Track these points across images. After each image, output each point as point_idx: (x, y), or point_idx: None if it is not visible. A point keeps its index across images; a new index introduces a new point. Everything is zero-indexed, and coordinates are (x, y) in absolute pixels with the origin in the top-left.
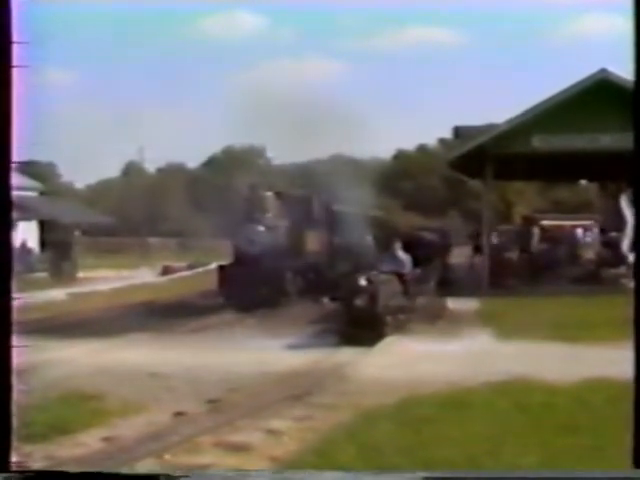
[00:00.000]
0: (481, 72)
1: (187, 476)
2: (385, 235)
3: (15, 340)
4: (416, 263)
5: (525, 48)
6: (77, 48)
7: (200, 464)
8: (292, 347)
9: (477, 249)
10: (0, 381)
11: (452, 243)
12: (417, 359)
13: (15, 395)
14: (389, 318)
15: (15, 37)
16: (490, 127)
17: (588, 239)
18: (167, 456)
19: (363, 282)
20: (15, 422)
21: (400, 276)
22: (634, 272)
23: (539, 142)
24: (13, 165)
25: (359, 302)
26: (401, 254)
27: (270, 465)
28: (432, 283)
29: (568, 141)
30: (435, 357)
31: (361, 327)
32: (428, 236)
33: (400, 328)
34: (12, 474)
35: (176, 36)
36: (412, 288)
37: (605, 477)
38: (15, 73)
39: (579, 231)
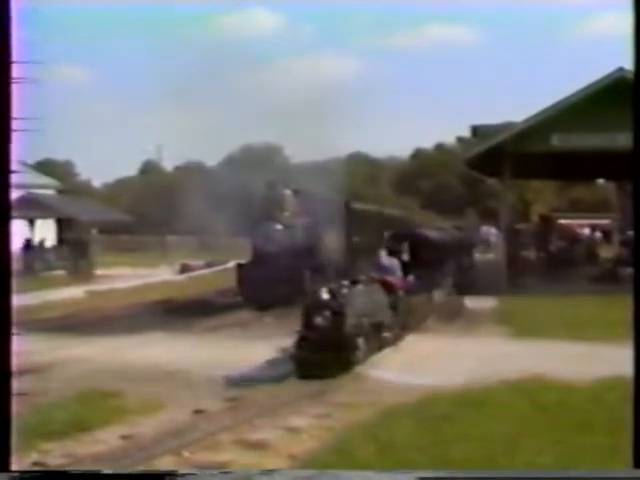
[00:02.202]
0: (499, 71)
1: (191, 474)
2: (394, 234)
3: (16, 341)
4: (425, 265)
5: (543, 47)
6: (95, 47)
7: (219, 461)
8: None
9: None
10: (0, 382)
11: (474, 243)
12: (435, 357)
13: (26, 395)
14: (360, 340)
15: (15, 37)
16: (508, 126)
17: (597, 239)
18: (186, 453)
19: (325, 295)
20: (34, 420)
21: (387, 285)
22: (634, 272)
23: (557, 141)
24: (20, 165)
25: (319, 321)
26: (386, 260)
27: (288, 463)
28: (446, 285)
29: (586, 140)
30: (453, 355)
31: (322, 352)
32: (441, 236)
33: (384, 348)
34: (12, 474)
35: (194, 34)
36: (403, 299)
37: (605, 477)
38: (30, 72)
39: (586, 230)
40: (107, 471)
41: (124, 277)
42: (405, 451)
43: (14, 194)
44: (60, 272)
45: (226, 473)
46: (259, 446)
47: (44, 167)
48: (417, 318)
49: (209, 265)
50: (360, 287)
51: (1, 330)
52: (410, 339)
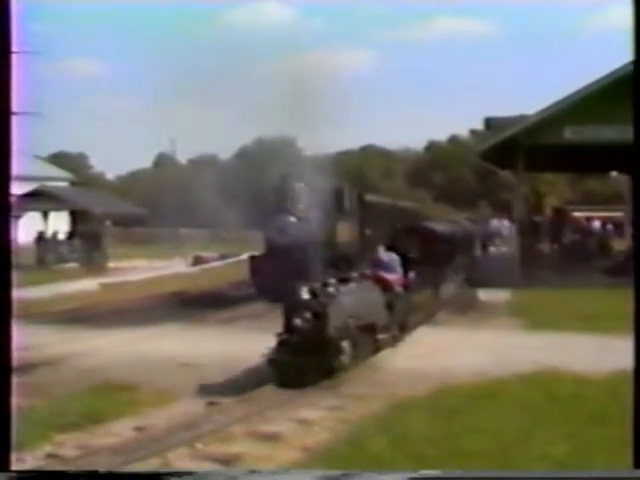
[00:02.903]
0: (512, 63)
1: (190, 474)
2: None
3: (16, 338)
4: (432, 260)
5: (556, 39)
6: (110, 41)
7: (232, 453)
8: None
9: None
10: (0, 382)
11: (486, 235)
12: (448, 349)
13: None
14: (346, 344)
15: (15, 37)
16: (521, 118)
17: (609, 231)
18: (199, 445)
19: (305, 295)
20: (48, 412)
21: (382, 282)
22: (634, 271)
23: (570, 133)
24: (34, 158)
25: (299, 323)
26: (385, 255)
27: (301, 455)
28: (457, 279)
29: (599, 132)
30: (466, 348)
31: (302, 357)
32: (449, 229)
33: (380, 351)
34: (12, 474)
35: (205, 27)
36: (402, 297)
37: (605, 477)
38: (40, 66)
39: (596, 223)
40: (104, 471)
41: (137, 269)
42: (418, 443)
43: (28, 187)
44: (73, 264)
45: (223, 472)
46: (272, 438)
47: (58, 159)
48: (420, 317)
49: (222, 257)
50: (351, 285)
51: (1, 329)
52: (423, 331)
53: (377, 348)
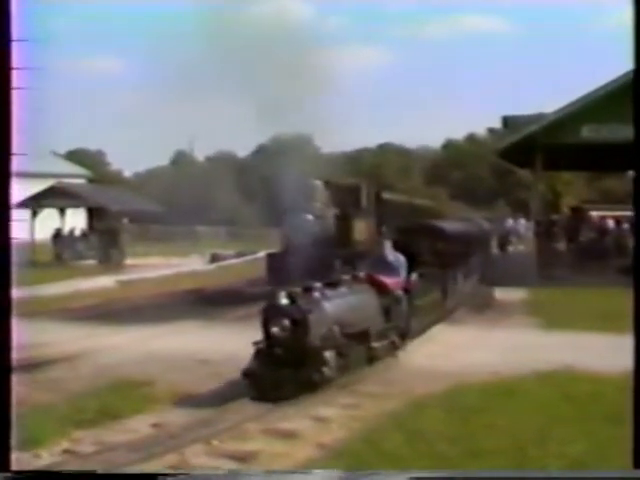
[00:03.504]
0: (530, 61)
1: (187, 474)
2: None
3: (16, 336)
4: (440, 261)
5: (575, 37)
6: (128, 39)
7: (248, 451)
8: None
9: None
10: (0, 381)
11: (502, 234)
12: (464, 348)
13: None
14: (330, 354)
15: (15, 35)
16: (539, 117)
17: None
18: (215, 442)
19: (283, 301)
20: (66, 408)
21: (379, 285)
22: (634, 270)
23: (588, 132)
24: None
25: (276, 331)
26: (392, 256)
27: (317, 452)
28: (471, 279)
29: (617, 131)
30: (482, 346)
31: (280, 369)
32: (460, 228)
33: (373, 361)
34: (12, 474)
35: (224, 24)
36: (402, 301)
37: (605, 477)
38: (63, 62)
39: (610, 222)
40: (101, 471)
41: (155, 266)
42: (434, 441)
43: (45, 183)
44: (90, 261)
45: (221, 473)
46: (288, 435)
47: (75, 156)
48: (425, 322)
49: (239, 255)
50: (341, 289)
51: (1, 328)
52: (440, 330)
53: (372, 357)
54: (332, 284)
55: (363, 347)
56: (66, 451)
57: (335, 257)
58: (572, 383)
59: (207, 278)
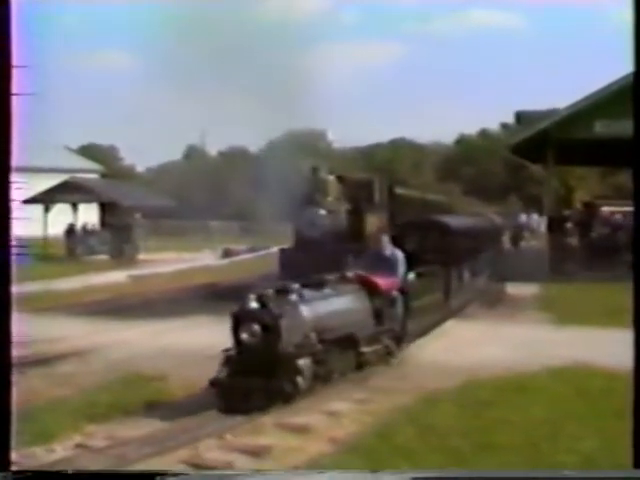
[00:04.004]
0: (543, 56)
1: (185, 474)
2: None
3: (45, 329)
4: (446, 258)
5: (587, 32)
6: (141, 33)
7: (261, 445)
8: None
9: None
10: (0, 381)
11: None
12: (476, 343)
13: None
14: (304, 362)
15: (21, 34)
16: (552, 112)
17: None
18: (228, 437)
19: (253, 304)
20: (78, 402)
21: (370, 285)
22: (634, 269)
23: (601, 127)
24: (64, 150)
25: (245, 337)
26: (389, 251)
27: (330, 447)
28: (482, 276)
29: (630, 126)
30: (494, 341)
31: (249, 378)
32: (470, 223)
33: (362, 368)
34: (12, 474)
35: (237, 18)
36: (396, 302)
37: (605, 477)
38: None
39: (618, 217)
40: (101, 471)
41: (167, 261)
42: (447, 436)
43: (58, 178)
44: (103, 256)
45: (221, 473)
46: (301, 430)
47: (88, 151)
48: (425, 323)
49: (252, 250)
50: (325, 291)
51: (1, 326)
52: (452, 325)
53: (361, 364)
54: (315, 285)
55: (350, 353)
56: (79, 445)
57: (348, 252)
58: (584, 379)
59: (220, 273)
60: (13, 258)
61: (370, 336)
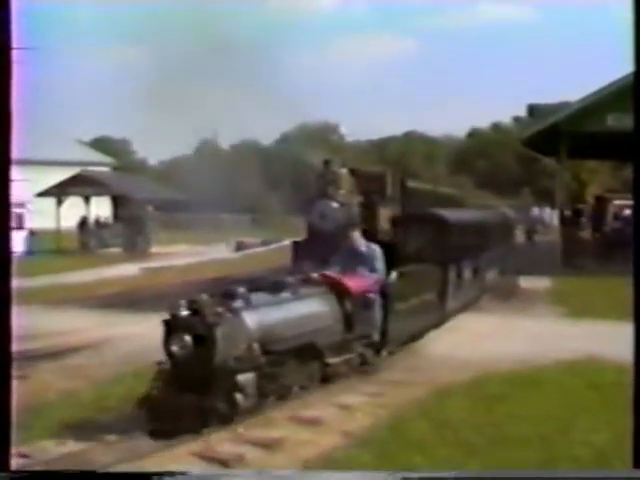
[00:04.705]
0: (555, 50)
1: (184, 474)
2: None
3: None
4: (442, 255)
5: (599, 25)
6: (153, 27)
7: (273, 438)
8: None
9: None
10: (1, 378)
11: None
12: (489, 336)
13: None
14: (246, 378)
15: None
16: (564, 105)
17: None
18: (240, 429)
19: (184, 311)
20: (91, 395)
21: (340, 288)
22: (634, 263)
23: (613, 120)
24: (76, 143)
25: (176, 350)
26: (364, 247)
27: (342, 440)
28: (493, 273)
29: None
30: (507, 335)
31: (180, 395)
32: (473, 217)
33: (331, 380)
34: (12, 474)
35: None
36: (374, 308)
37: (605, 477)
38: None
39: (627, 211)
40: (100, 471)
41: (180, 254)
42: (459, 429)
43: (70, 171)
44: (115, 249)
45: (219, 473)
46: (313, 423)
47: (101, 144)
48: (411, 328)
49: (264, 243)
50: (282, 294)
51: (1, 317)
52: (464, 318)
53: (328, 375)
54: (272, 288)
55: (313, 364)
56: (91, 439)
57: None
58: (597, 372)
59: (232, 266)
60: (13, 252)
61: (339, 344)
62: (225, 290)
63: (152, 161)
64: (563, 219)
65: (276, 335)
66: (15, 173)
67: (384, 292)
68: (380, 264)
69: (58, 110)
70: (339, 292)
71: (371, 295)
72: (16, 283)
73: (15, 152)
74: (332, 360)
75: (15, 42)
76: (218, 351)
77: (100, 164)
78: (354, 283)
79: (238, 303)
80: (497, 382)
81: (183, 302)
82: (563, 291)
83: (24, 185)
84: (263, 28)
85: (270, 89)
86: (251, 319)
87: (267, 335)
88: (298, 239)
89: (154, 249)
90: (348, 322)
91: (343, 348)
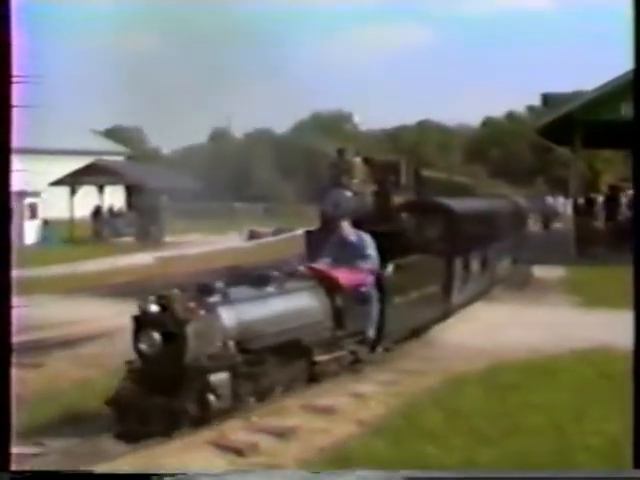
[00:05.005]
0: (570, 38)
1: (184, 474)
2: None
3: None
4: (445, 245)
5: (614, 14)
6: (167, 16)
7: (287, 426)
8: None
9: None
10: (0, 379)
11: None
12: (503, 325)
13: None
14: (221, 378)
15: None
16: (579, 94)
17: None
18: (254, 418)
19: (152, 307)
20: (104, 384)
21: (329, 281)
22: (634, 252)
23: (627, 110)
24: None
25: (144, 348)
26: (354, 236)
27: (356, 428)
28: (504, 263)
29: None
30: (521, 324)
31: (149, 397)
32: (489, 206)
33: (320, 379)
34: (12, 474)
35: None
36: (370, 302)
37: (605, 477)
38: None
39: None
40: (104, 471)
41: (193, 243)
42: (472, 418)
43: (84, 161)
44: (129, 238)
45: (218, 473)
46: (327, 411)
47: (114, 134)
48: (412, 323)
49: (277, 232)
50: (267, 289)
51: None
52: (478, 307)
53: (316, 375)
54: (256, 282)
55: (299, 362)
56: (103, 428)
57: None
58: (611, 362)
59: (245, 255)
60: (13, 242)
61: (328, 341)
62: (201, 284)
63: (166, 150)
64: (577, 208)
65: (256, 332)
66: (28, 163)
67: (380, 285)
68: (372, 251)
69: (72, 100)
70: (329, 286)
71: (365, 288)
72: (30, 272)
73: (29, 142)
74: (320, 358)
75: (26, 31)
76: (189, 349)
77: (114, 153)
78: (345, 276)
79: (215, 298)
80: (511, 371)
81: (152, 298)
82: (577, 280)
83: (38, 174)
84: (277, 17)
85: (284, 78)
86: (228, 315)
87: (246, 332)
88: (311, 228)
89: (167, 238)
90: (339, 317)
91: (333, 345)
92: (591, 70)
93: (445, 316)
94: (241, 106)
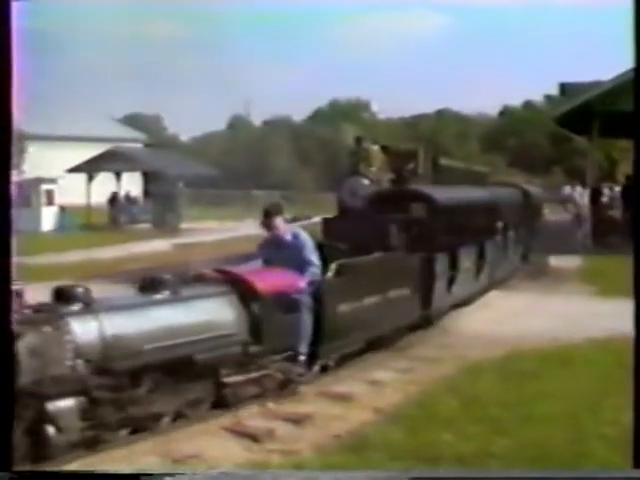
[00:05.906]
0: (588, 27)
1: (179, 474)
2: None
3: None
4: (421, 242)
5: (632, 4)
6: (187, 3)
7: (303, 413)
8: None
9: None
10: (1, 378)
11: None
12: (520, 314)
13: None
14: (61, 406)
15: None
16: (596, 84)
17: None
18: (270, 404)
19: None
20: None
21: (246, 287)
22: (634, 244)
23: None
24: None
25: None
26: (289, 235)
27: (372, 415)
28: (514, 257)
29: None
30: (537, 313)
31: None
32: (487, 195)
33: (229, 405)
34: (12, 474)
35: None
36: (304, 312)
37: (605, 477)
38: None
39: None
40: (104, 471)
41: (210, 230)
42: (489, 406)
43: (101, 147)
44: (146, 225)
45: (218, 473)
46: (343, 398)
47: (133, 121)
48: (365, 334)
49: (294, 219)
50: (157, 296)
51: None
52: (495, 296)
53: (225, 398)
54: (148, 288)
55: (200, 385)
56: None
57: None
58: (627, 350)
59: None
60: (13, 229)
61: (242, 359)
62: (57, 290)
63: (184, 137)
64: (594, 198)
65: (127, 349)
66: (46, 150)
67: (317, 290)
68: (310, 255)
69: (91, 87)
70: (244, 292)
71: (295, 296)
72: (47, 259)
73: (47, 129)
74: (231, 379)
75: (45, 19)
76: (22, 370)
77: (132, 140)
78: (265, 280)
79: (73, 307)
80: (528, 359)
81: None
82: (593, 270)
83: (55, 161)
84: (296, 4)
85: (302, 66)
86: (84, 328)
87: (111, 349)
88: (329, 216)
89: (184, 225)
90: (256, 330)
91: (250, 364)
92: (609, 60)
93: (426, 322)
94: (259, 93)
